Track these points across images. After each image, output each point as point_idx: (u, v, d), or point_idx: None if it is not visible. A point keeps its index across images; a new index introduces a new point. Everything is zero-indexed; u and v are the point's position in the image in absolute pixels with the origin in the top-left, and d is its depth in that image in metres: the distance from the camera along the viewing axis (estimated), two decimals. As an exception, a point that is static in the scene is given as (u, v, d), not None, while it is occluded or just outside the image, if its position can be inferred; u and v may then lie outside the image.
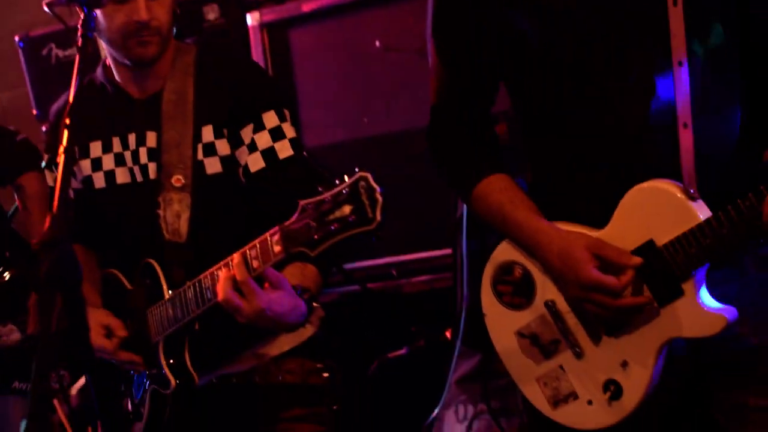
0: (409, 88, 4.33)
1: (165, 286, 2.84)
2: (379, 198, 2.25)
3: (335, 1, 4.47)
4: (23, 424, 2.67)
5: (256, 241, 2.50)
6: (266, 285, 2.57)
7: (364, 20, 4.47)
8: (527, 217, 2.51)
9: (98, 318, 2.93)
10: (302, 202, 2.36)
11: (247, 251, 2.53)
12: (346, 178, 2.29)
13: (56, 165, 2.97)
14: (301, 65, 4.35)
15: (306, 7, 4.50)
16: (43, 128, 4.93)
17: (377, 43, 4.41)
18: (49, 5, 2.56)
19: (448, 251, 4.01)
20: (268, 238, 2.46)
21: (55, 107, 3.15)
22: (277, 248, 2.43)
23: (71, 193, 3.08)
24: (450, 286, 3.95)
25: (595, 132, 2.47)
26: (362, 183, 2.26)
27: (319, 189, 2.34)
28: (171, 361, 2.82)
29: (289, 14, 4.53)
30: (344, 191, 2.28)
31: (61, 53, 4.95)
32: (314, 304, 2.71)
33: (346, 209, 2.28)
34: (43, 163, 3.17)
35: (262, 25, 4.54)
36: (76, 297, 2.53)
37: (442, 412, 3.96)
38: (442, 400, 3.91)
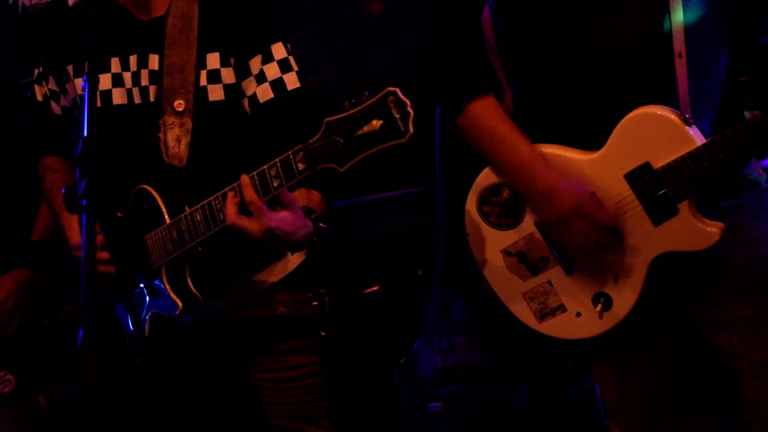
0: (391, 30, 4.40)
1: (165, 211, 2.80)
2: (411, 111, 2.28)
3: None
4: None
5: (277, 160, 2.49)
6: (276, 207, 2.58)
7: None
8: (524, 143, 2.60)
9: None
10: (327, 119, 2.38)
11: (266, 170, 2.52)
12: (371, 93, 2.31)
13: (46, 81, 3.03)
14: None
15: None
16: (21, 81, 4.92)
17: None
18: None
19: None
20: (291, 156, 2.45)
21: (48, 21, 3.10)
22: (301, 165, 2.44)
23: (58, 110, 3.07)
24: (425, 223, 4.02)
25: (594, 54, 2.55)
26: (391, 97, 2.29)
27: (345, 105, 2.35)
28: (174, 284, 2.81)
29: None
30: (373, 106, 2.31)
31: (27, 2, 4.90)
32: (321, 225, 2.71)
33: (376, 123, 2.31)
34: (34, 78, 3.12)
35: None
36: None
37: (420, 346, 4.03)
38: (421, 335, 3.98)
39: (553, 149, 2.62)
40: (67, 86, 3.01)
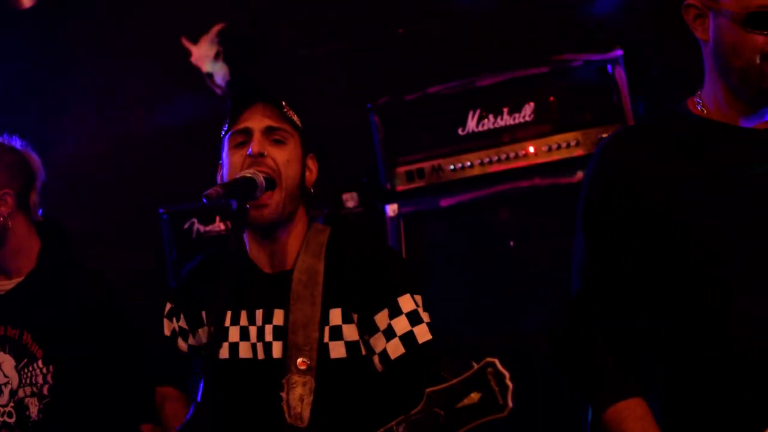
0: (539, 289, 4.35)
1: None
2: (509, 384, 2.25)
3: (472, 198, 4.54)
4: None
5: (381, 430, 2.46)
6: None
7: (498, 219, 4.53)
8: None
9: None
10: (428, 391, 2.34)
11: None
12: (474, 364, 2.29)
13: (177, 317, 3.08)
14: (436, 256, 4.34)
15: (444, 203, 4.58)
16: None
17: (511, 243, 4.42)
18: (207, 197, 2.66)
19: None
20: (394, 428, 2.42)
21: (189, 266, 3.15)
22: None
23: (185, 347, 3.10)
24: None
25: (754, 344, 2.46)
26: (490, 369, 2.27)
27: (444, 376, 2.34)
28: None
29: (427, 208, 4.62)
30: (472, 378, 2.28)
31: (202, 228, 5.10)
32: None
33: (474, 396, 2.27)
34: (165, 313, 3.17)
35: (399, 216, 4.60)
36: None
37: None
38: None
39: None
40: (199, 330, 3.04)
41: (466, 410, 2.27)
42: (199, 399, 2.44)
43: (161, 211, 5.23)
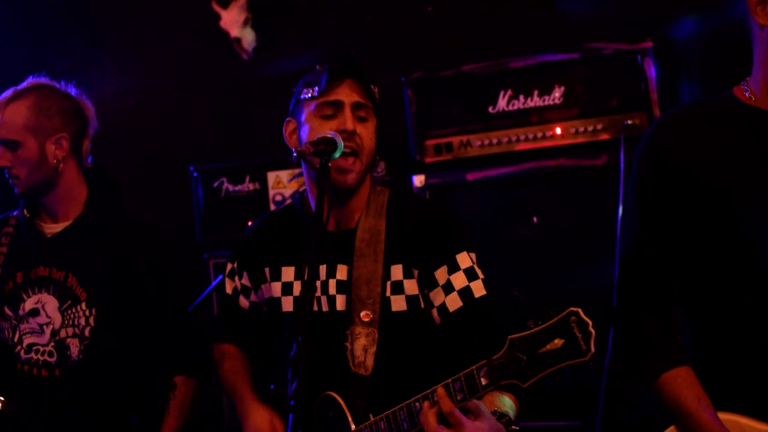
0: (559, 266, 4.54)
1: (350, 419, 2.89)
2: (593, 331, 2.38)
3: (498, 174, 4.69)
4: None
5: (461, 375, 2.59)
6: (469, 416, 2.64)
7: (523, 195, 4.69)
8: (711, 423, 2.61)
9: (265, 416, 3.06)
10: (511, 337, 2.49)
11: (450, 384, 2.61)
12: (553, 313, 2.43)
13: (239, 275, 3.23)
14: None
15: (470, 177, 4.74)
16: (204, 255, 5.18)
17: (535, 220, 4.58)
18: (300, 153, 2.83)
19: None
20: (475, 372, 2.56)
21: (253, 224, 3.28)
22: (484, 381, 2.54)
23: (246, 304, 3.25)
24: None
25: None
26: (573, 317, 2.40)
27: (528, 324, 2.46)
28: None
29: (453, 180, 4.77)
30: (555, 325, 2.42)
31: (231, 187, 5.21)
32: (513, 427, 2.75)
33: (558, 342, 2.41)
34: (226, 272, 3.31)
35: (426, 187, 4.76)
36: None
37: None
38: None
39: (731, 417, 2.61)
40: (262, 286, 3.18)
41: (549, 355, 2.41)
42: (292, 354, 2.57)
43: (192, 168, 5.34)
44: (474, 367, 2.56)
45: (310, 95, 3.05)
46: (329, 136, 2.89)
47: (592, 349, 2.37)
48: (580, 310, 2.40)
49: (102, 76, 6.29)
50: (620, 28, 4.77)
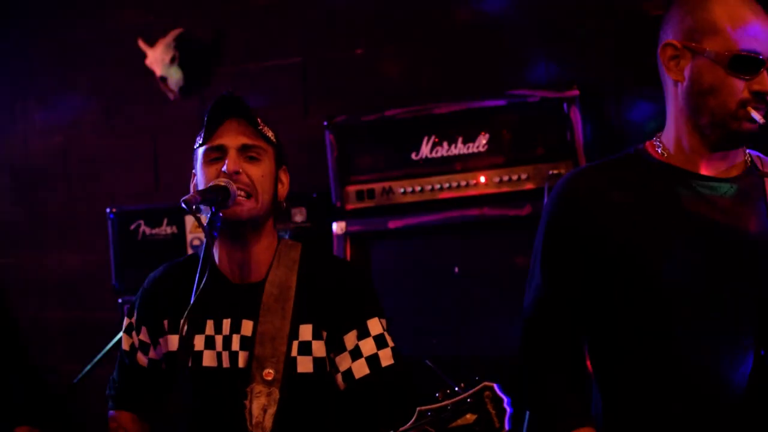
0: (480, 317, 4.43)
1: None
2: (507, 408, 2.29)
3: (420, 222, 4.59)
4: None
5: None
6: None
7: (445, 245, 4.58)
8: None
9: None
10: (420, 408, 2.38)
11: None
12: (466, 386, 2.33)
13: (137, 331, 3.06)
14: (380, 278, 4.37)
15: (392, 224, 4.63)
16: (119, 300, 5.03)
17: (456, 270, 4.48)
18: (185, 202, 2.69)
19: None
20: None
21: (152, 275, 3.13)
22: None
23: (144, 361, 3.08)
24: None
25: (692, 390, 2.55)
26: (487, 392, 2.30)
27: (437, 396, 2.36)
28: None
29: (374, 228, 4.66)
30: (467, 399, 2.32)
31: (148, 230, 5.08)
32: None
33: (470, 418, 2.31)
34: (123, 327, 3.14)
35: (347, 234, 4.63)
36: None
37: None
38: None
39: None
40: (160, 340, 3.02)
41: (459, 430, 2.30)
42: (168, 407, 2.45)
43: (108, 210, 5.21)
44: None
45: (199, 143, 2.93)
46: (222, 183, 2.77)
47: (506, 427, 2.29)
48: (494, 386, 2.31)
49: (27, 112, 6.18)
50: (547, 76, 4.72)
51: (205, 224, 2.70)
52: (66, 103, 6.08)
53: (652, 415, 2.59)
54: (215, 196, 2.73)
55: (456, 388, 2.35)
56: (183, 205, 2.69)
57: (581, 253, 2.66)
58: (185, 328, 2.58)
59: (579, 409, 2.65)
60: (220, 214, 2.74)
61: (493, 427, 2.28)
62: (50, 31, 6.10)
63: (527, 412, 3.61)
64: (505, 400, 2.29)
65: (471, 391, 2.32)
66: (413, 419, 2.37)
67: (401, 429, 2.38)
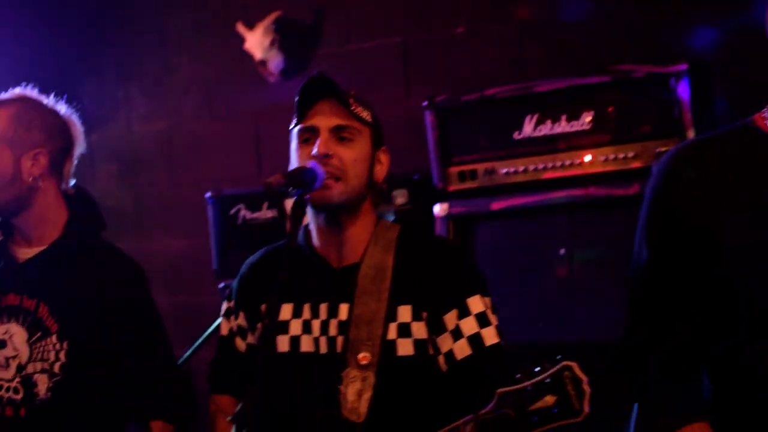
0: (588, 299, 4.31)
1: None
2: (587, 389, 2.23)
3: (524, 203, 4.48)
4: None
5: (446, 429, 2.45)
6: None
7: (550, 225, 4.48)
8: None
9: None
10: (499, 391, 2.32)
11: None
12: (547, 366, 2.27)
13: (236, 315, 3.04)
14: (483, 261, 4.29)
15: (495, 206, 4.53)
16: (220, 285, 5.04)
17: (562, 251, 4.37)
18: (266, 185, 2.63)
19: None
20: (461, 428, 2.41)
21: (250, 260, 3.09)
22: None
23: (243, 347, 3.06)
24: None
25: None
26: (567, 373, 2.24)
27: (518, 377, 2.30)
28: None
29: (477, 210, 4.57)
30: (547, 380, 2.26)
31: (248, 215, 5.08)
32: None
33: (549, 399, 2.25)
34: (222, 312, 3.12)
35: (449, 216, 4.56)
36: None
37: None
38: None
39: None
40: (257, 325, 2.98)
41: (538, 413, 2.24)
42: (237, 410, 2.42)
43: (208, 195, 5.22)
44: (460, 422, 2.40)
45: (293, 124, 2.89)
46: (308, 165, 2.72)
47: (586, 409, 2.22)
48: (574, 365, 2.25)
49: (130, 99, 6.25)
50: (653, 48, 4.57)
51: (290, 207, 2.66)
52: (168, 89, 6.13)
53: (759, 406, 2.49)
54: (300, 178, 2.68)
55: (536, 369, 2.29)
56: (263, 188, 2.65)
57: (687, 230, 2.56)
58: (269, 313, 2.57)
59: (690, 401, 2.57)
60: (307, 197, 2.70)
61: (572, 410, 2.23)
62: (152, 17, 6.16)
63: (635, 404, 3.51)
64: (585, 380, 2.23)
65: (550, 372, 2.26)
66: (494, 402, 2.33)
67: (482, 412, 2.34)
